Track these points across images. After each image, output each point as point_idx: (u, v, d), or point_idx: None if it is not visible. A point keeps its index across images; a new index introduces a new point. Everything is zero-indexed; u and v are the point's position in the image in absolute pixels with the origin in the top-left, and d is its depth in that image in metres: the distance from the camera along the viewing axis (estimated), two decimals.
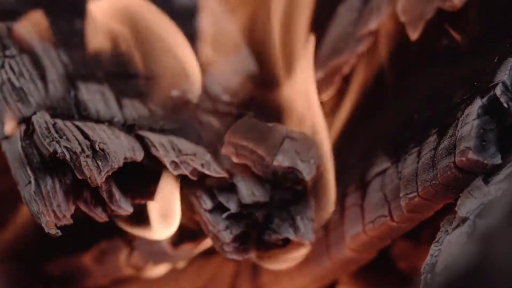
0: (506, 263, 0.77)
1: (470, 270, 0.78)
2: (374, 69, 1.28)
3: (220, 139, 1.17)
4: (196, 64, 1.23)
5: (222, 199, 1.13)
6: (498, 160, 1.03)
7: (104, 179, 1.07)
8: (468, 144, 1.04)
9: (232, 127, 1.16)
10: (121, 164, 1.09)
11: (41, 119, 1.11)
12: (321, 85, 1.28)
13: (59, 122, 1.11)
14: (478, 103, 1.06)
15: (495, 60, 1.09)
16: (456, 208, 1.05)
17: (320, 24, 1.31)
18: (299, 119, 1.23)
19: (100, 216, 1.09)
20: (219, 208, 1.13)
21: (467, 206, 1.03)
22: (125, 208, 1.10)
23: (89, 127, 1.11)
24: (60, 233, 1.07)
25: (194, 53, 1.26)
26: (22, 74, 1.16)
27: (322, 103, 1.29)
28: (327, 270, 1.22)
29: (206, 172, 1.13)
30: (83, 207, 1.09)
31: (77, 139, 1.09)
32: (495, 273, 0.77)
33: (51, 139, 1.09)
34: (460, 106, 1.10)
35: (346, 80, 1.28)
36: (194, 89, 1.22)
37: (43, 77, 1.16)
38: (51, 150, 1.08)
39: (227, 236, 1.12)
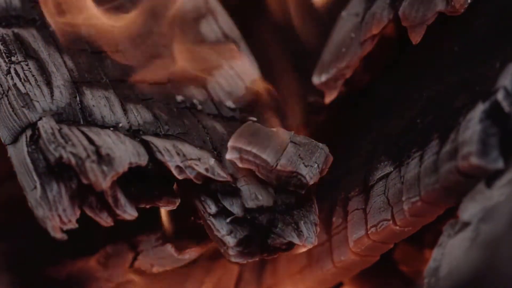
0: (510, 270, 0.77)
1: (475, 276, 0.78)
2: (376, 73, 1.28)
3: (224, 143, 1.18)
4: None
5: (226, 203, 1.14)
6: (500, 164, 1.03)
7: (109, 184, 1.08)
8: (470, 148, 1.05)
9: (236, 132, 1.16)
10: (126, 169, 1.09)
11: (46, 125, 1.11)
12: (324, 89, 1.28)
13: (65, 128, 1.11)
14: (480, 107, 1.06)
15: (497, 65, 1.09)
16: (458, 213, 1.06)
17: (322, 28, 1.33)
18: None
19: (105, 220, 1.10)
20: (223, 212, 1.14)
21: (469, 210, 1.04)
22: (130, 212, 1.10)
23: (94, 132, 1.12)
24: (66, 237, 1.07)
25: (199, 58, 1.27)
26: (28, 80, 1.16)
27: (325, 107, 1.30)
28: (330, 274, 1.22)
29: (211, 176, 1.13)
30: (88, 212, 1.09)
31: (82, 144, 1.09)
32: (500, 280, 0.77)
33: (56, 145, 1.09)
34: (462, 111, 1.10)
35: (349, 84, 1.29)
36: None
37: (48, 82, 1.17)
38: (57, 155, 1.08)
39: (231, 240, 1.12)
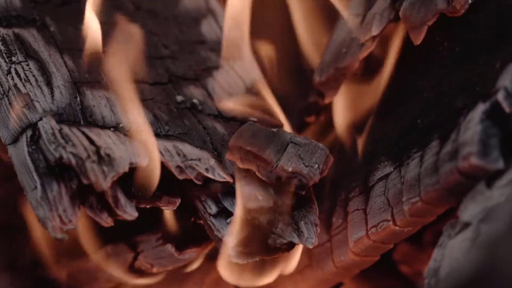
0: (511, 270, 0.77)
1: (475, 277, 0.78)
2: (376, 73, 1.28)
3: (225, 144, 1.18)
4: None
5: (226, 203, 1.14)
6: (500, 165, 1.03)
7: (109, 184, 1.08)
8: (471, 149, 1.05)
9: (237, 132, 1.16)
10: (126, 169, 1.09)
11: (47, 125, 1.11)
12: (323, 90, 1.28)
13: (65, 128, 1.11)
14: (481, 108, 1.06)
15: (497, 65, 1.09)
16: (458, 213, 1.06)
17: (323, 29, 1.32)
18: None
19: (105, 221, 1.10)
20: (223, 212, 1.14)
21: (470, 210, 1.04)
22: (131, 213, 1.10)
23: (94, 133, 1.12)
24: (66, 238, 1.07)
25: (199, 58, 1.27)
26: (28, 80, 1.16)
27: (324, 107, 1.30)
28: (330, 274, 1.22)
29: (211, 176, 1.13)
30: (88, 212, 1.09)
31: (82, 145, 1.10)
32: (500, 280, 0.77)
33: (57, 145, 1.09)
34: (462, 111, 1.10)
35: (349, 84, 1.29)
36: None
37: (49, 82, 1.17)
38: (57, 155, 1.08)
39: (231, 241, 1.13)
